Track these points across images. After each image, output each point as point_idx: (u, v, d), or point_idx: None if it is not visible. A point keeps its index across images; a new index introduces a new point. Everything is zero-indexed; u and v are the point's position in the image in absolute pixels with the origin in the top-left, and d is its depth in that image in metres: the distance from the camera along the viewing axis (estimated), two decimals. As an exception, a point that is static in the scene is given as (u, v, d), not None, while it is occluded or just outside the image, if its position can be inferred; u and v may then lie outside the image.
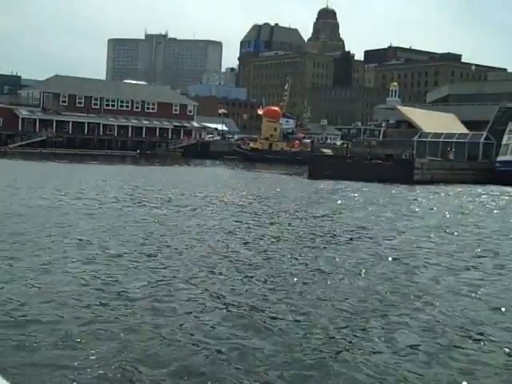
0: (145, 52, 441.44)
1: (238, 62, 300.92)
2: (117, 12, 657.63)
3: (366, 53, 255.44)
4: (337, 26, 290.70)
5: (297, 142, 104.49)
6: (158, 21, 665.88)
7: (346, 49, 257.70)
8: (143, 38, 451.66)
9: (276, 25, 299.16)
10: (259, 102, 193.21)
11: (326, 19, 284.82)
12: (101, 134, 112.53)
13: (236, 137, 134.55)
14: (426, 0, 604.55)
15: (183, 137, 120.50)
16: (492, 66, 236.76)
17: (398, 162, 52.96)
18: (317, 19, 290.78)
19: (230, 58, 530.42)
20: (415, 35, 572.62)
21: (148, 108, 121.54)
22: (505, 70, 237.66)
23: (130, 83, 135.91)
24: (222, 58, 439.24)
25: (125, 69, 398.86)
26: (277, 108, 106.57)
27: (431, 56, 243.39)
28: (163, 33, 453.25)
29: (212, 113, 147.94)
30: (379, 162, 54.71)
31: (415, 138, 59.51)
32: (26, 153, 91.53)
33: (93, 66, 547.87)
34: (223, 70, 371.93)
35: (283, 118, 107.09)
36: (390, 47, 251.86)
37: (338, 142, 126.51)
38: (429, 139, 58.37)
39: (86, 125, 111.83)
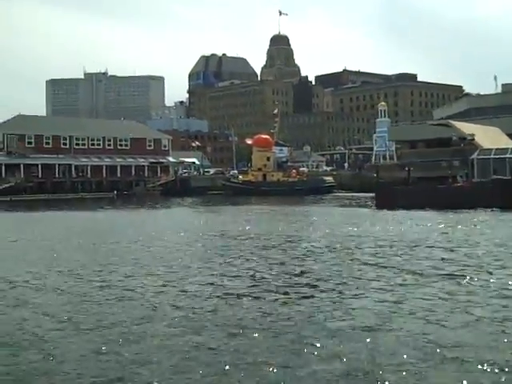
0: (85, 91, 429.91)
1: (187, 95, 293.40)
2: (52, 53, 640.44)
3: (319, 77, 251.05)
4: (291, 51, 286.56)
5: (294, 171, 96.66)
6: (96, 59, 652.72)
7: (302, 74, 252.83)
8: (82, 76, 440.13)
9: (224, 55, 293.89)
10: (223, 134, 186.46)
11: (280, 45, 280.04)
12: (73, 175, 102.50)
13: (212, 171, 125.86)
14: (360, 25, 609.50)
15: (160, 174, 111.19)
16: (446, 83, 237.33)
17: (484, 183, 45.20)
18: (270, 46, 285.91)
19: (173, 93, 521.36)
20: (357, 59, 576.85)
21: (121, 145, 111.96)
22: (460, 86, 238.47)
23: (99, 120, 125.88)
24: (164, 93, 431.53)
25: (65, 109, 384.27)
26: (267, 136, 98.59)
27: (386, 77, 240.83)
28: (103, 71, 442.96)
29: (180, 147, 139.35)
30: (458, 185, 47.01)
31: (475, 156, 52.18)
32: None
33: (32, 108, 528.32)
34: (167, 104, 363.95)
35: (276, 146, 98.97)
36: (344, 71, 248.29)
37: (328, 168, 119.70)
38: (492, 156, 51.15)
39: (57, 167, 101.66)
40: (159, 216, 51.66)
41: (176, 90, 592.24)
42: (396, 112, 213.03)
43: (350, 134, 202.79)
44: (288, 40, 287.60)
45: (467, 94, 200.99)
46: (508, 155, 51.15)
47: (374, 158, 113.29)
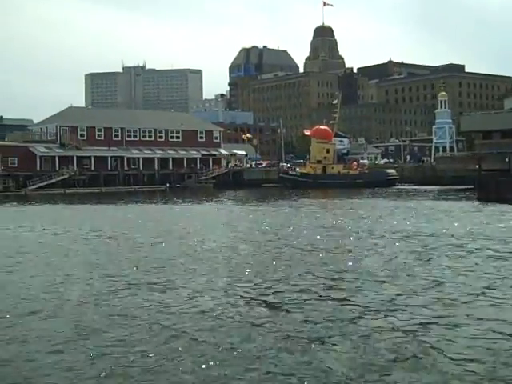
0: (123, 84, 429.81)
1: (227, 88, 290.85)
2: (92, 47, 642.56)
3: (363, 69, 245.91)
4: (335, 43, 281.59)
5: (354, 163, 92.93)
6: (134, 53, 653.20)
7: (346, 66, 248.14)
8: (121, 70, 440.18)
9: (265, 47, 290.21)
10: (268, 126, 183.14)
11: (324, 37, 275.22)
12: (125, 168, 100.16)
13: (264, 163, 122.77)
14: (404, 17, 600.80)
15: (213, 166, 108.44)
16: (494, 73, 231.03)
17: None
18: (314, 37, 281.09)
19: (211, 86, 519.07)
20: (400, 51, 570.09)
21: (172, 137, 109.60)
22: (510, 77, 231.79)
23: (150, 111, 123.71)
24: (202, 86, 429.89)
25: (104, 103, 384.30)
26: (326, 127, 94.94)
27: (433, 69, 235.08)
28: (141, 64, 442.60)
29: (226, 139, 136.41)
30: None
31: None
32: (48, 195, 78.56)
33: (71, 102, 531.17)
34: (204, 97, 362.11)
35: (335, 137, 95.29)
36: (389, 62, 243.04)
37: (382, 161, 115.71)
38: None
39: (109, 159, 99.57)
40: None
41: (214, 84, 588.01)
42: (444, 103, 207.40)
43: (397, 126, 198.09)
44: (332, 31, 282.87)
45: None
46: None
47: (433, 149, 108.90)
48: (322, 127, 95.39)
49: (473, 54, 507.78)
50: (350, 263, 18.25)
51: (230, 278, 16.36)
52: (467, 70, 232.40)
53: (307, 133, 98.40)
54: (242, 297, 13.93)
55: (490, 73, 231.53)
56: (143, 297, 14.08)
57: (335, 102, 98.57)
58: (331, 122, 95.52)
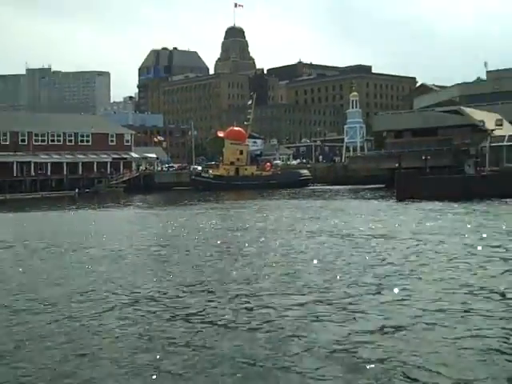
0: (27, 87, 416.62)
1: (136, 91, 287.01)
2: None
3: (273, 70, 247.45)
4: (246, 43, 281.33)
5: (268, 164, 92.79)
6: (39, 55, 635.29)
7: (257, 67, 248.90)
8: (24, 72, 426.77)
9: (175, 49, 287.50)
10: (179, 128, 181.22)
11: (235, 37, 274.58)
12: (32, 174, 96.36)
13: (175, 166, 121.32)
14: (311, 19, 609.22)
15: (123, 170, 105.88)
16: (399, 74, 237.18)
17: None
18: (225, 38, 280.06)
19: (119, 88, 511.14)
20: (309, 52, 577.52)
21: (82, 140, 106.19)
22: (414, 78, 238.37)
23: (59, 114, 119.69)
24: (110, 88, 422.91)
25: (7, 106, 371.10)
26: (240, 129, 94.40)
27: (341, 70, 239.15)
28: (46, 66, 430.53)
29: (136, 142, 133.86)
30: (485, 174, 43.96)
31: (487, 144, 49.17)
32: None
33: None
34: (113, 99, 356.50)
35: (249, 138, 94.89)
36: (298, 63, 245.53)
37: (295, 162, 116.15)
38: (506, 143, 48.30)
39: (15, 165, 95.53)
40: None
41: (122, 86, 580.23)
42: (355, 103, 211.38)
43: (307, 127, 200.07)
44: (243, 32, 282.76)
45: (422, 85, 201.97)
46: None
47: (344, 149, 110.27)
48: (235, 128, 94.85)
49: (379, 56, 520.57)
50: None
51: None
52: (374, 70, 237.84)
53: (220, 134, 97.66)
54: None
55: (396, 74, 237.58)
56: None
57: (249, 102, 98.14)
58: (245, 123, 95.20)
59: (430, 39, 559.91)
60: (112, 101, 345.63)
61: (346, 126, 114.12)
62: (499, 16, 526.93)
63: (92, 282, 16.44)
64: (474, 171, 48.73)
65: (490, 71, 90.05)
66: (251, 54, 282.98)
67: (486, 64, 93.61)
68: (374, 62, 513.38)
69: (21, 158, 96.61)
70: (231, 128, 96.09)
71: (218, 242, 24.06)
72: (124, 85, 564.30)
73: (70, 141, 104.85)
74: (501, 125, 51.94)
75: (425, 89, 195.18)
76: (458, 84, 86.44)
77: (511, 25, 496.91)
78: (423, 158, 48.07)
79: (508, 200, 37.14)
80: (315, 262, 17.94)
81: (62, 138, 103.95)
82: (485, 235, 23.03)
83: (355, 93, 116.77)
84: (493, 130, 49.69)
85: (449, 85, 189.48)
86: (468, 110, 52.33)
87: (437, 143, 71.83)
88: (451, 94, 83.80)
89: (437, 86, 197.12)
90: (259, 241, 23.63)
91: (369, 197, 53.69)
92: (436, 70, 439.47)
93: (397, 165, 46.90)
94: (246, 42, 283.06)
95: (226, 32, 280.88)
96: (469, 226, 26.23)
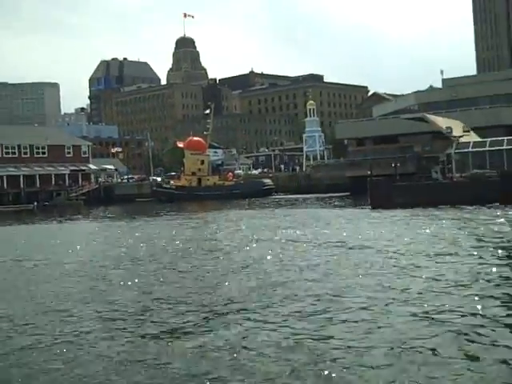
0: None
1: (87, 102, 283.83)
2: None
3: (225, 80, 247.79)
4: (197, 54, 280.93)
5: (230, 174, 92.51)
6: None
7: (209, 76, 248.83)
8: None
9: (125, 59, 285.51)
10: (134, 139, 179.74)
11: (186, 48, 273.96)
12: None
13: (135, 177, 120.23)
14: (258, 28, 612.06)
15: (82, 182, 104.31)
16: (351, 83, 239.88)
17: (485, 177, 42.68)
18: (175, 49, 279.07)
19: (69, 99, 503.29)
20: (260, 62, 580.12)
21: (38, 152, 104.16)
22: (365, 87, 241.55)
23: (13, 126, 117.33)
24: (60, 100, 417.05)
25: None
26: (200, 139, 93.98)
27: (294, 79, 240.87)
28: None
29: (94, 154, 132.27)
30: (461, 180, 44.48)
31: (452, 150, 49.86)
32: None
33: None
34: (63, 111, 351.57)
35: (209, 148, 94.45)
36: (251, 73, 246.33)
37: (256, 171, 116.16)
38: (471, 149, 49.06)
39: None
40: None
41: (72, 97, 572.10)
42: (306, 113, 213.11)
43: (262, 136, 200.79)
44: (194, 42, 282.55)
45: (375, 94, 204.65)
46: (487, 148, 49.15)
47: (304, 157, 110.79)
48: (195, 139, 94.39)
49: (328, 66, 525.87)
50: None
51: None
52: (326, 80, 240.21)
53: (180, 145, 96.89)
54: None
55: (347, 83, 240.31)
56: None
57: (207, 111, 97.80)
58: (204, 132, 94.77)
59: (377, 49, 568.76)
60: (63, 112, 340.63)
61: (304, 135, 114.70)
62: (445, 27, 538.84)
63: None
64: (442, 177, 49.28)
65: (446, 79, 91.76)
66: (203, 64, 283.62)
67: (442, 72, 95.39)
68: (324, 71, 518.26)
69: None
70: (191, 138, 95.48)
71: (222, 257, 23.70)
72: (74, 96, 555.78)
73: (26, 153, 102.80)
74: (468, 131, 52.85)
75: (377, 97, 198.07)
76: (416, 92, 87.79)
77: (456, 35, 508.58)
78: (393, 165, 48.39)
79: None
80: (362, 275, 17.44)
81: (16, 151, 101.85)
82: None
83: (312, 101, 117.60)
84: (460, 137, 50.48)
85: (398, 93, 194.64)
86: (432, 118, 53.09)
87: (399, 150, 72.80)
88: (409, 102, 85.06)
89: (388, 94, 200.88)
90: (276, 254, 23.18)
91: (340, 205, 53.81)
92: (384, 79, 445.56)
93: (369, 172, 47.13)
94: (197, 52, 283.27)
95: (177, 42, 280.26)
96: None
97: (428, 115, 52.95)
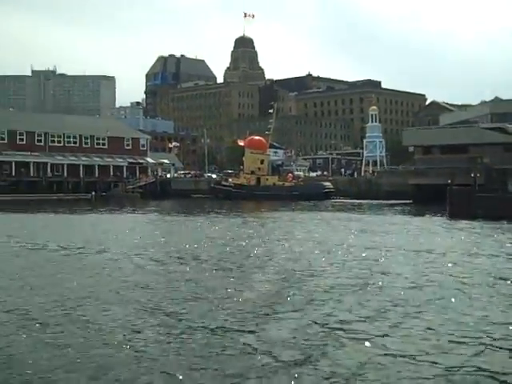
0: (32, 88, 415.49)
1: (143, 96, 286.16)
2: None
3: (282, 81, 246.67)
4: (255, 54, 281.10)
5: (290, 175, 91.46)
6: (45, 58, 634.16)
7: (266, 77, 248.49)
8: (30, 74, 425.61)
9: (182, 56, 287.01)
10: (189, 135, 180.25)
11: (245, 48, 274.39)
12: (49, 174, 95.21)
13: (192, 172, 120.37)
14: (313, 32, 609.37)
15: (139, 175, 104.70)
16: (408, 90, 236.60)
17: None
18: (234, 48, 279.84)
19: (124, 94, 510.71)
20: (318, 65, 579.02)
21: (98, 143, 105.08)
22: (423, 95, 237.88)
23: (75, 116, 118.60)
24: (115, 94, 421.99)
25: (8, 106, 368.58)
26: (261, 138, 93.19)
27: (351, 84, 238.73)
28: (51, 68, 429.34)
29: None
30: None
31: (534, 162, 48.06)
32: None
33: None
34: (118, 104, 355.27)
35: (270, 148, 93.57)
36: (308, 75, 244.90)
37: (313, 174, 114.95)
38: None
39: (32, 165, 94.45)
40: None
41: (127, 91, 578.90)
42: (362, 118, 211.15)
43: (317, 139, 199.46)
44: (253, 42, 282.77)
45: (433, 102, 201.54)
46: None
47: (363, 163, 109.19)
48: (256, 137, 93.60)
49: (385, 72, 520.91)
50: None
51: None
52: (383, 86, 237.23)
53: (241, 143, 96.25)
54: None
55: (404, 90, 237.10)
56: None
57: (271, 111, 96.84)
58: (266, 132, 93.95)
59: (433, 58, 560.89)
60: (119, 106, 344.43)
61: (365, 140, 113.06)
62: (499, 41, 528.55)
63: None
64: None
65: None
66: (260, 65, 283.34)
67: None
68: (381, 77, 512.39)
69: (37, 158, 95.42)
70: (252, 137, 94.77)
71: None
72: (129, 91, 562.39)
73: (86, 143, 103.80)
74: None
75: (436, 106, 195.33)
76: (489, 101, 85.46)
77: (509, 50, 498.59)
78: (472, 175, 46.59)
79: None
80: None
81: (77, 140, 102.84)
82: None
83: (374, 107, 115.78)
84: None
85: (457, 103, 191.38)
86: (512, 128, 51.15)
87: (467, 160, 70.70)
88: (480, 112, 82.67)
89: (446, 103, 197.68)
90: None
91: (413, 213, 52.23)
92: (440, 89, 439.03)
93: (449, 181, 45.42)
94: (256, 52, 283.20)
95: (236, 41, 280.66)
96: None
97: (509, 126, 50.99)
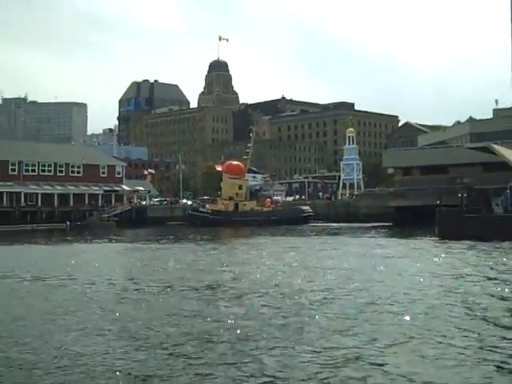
0: (2, 116, 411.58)
1: (116, 122, 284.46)
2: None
3: (256, 105, 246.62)
4: (230, 77, 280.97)
5: (268, 199, 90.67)
6: (15, 85, 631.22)
7: (240, 101, 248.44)
8: (0, 102, 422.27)
9: (156, 81, 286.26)
10: (163, 162, 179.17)
11: (219, 71, 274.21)
12: (22, 204, 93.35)
13: (168, 199, 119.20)
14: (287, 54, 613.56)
15: (115, 203, 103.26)
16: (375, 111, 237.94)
17: None
18: (208, 72, 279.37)
19: (95, 120, 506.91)
20: (291, 89, 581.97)
21: (73, 171, 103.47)
22: (396, 116, 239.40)
23: (49, 144, 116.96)
24: (87, 120, 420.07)
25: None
26: (239, 163, 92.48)
27: (324, 107, 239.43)
28: (22, 96, 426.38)
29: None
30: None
31: (515, 183, 47.74)
32: None
33: None
34: (90, 131, 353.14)
35: (249, 173, 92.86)
36: (282, 99, 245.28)
37: (290, 198, 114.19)
38: (539, 182, 46.91)
39: (5, 195, 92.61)
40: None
41: (99, 118, 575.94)
42: (335, 140, 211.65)
43: (291, 163, 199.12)
44: (227, 66, 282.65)
45: (407, 123, 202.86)
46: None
47: (341, 185, 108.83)
48: (234, 162, 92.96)
49: (358, 94, 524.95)
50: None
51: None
52: (356, 108, 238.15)
53: (219, 168, 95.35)
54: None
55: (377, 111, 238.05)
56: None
57: (251, 134, 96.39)
58: (244, 157, 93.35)
59: (405, 78, 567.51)
60: (90, 133, 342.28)
61: (342, 163, 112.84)
62: (471, 61, 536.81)
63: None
64: (503, 211, 47.17)
65: (499, 109, 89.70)
66: (234, 88, 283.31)
67: (496, 102, 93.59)
68: (354, 99, 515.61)
69: (10, 188, 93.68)
70: (230, 162, 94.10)
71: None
72: (101, 117, 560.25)
73: (61, 171, 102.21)
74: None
75: (409, 127, 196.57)
76: (465, 122, 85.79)
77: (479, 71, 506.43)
78: (459, 196, 46.20)
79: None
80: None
81: (52, 168, 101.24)
82: None
83: (351, 129, 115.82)
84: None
85: (429, 124, 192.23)
86: (497, 148, 50.83)
87: (447, 181, 70.70)
88: (459, 133, 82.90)
89: (418, 124, 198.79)
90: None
91: (400, 235, 51.61)
92: (410, 109, 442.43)
93: (438, 202, 45.01)
94: (230, 75, 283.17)
95: (210, 65, 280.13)
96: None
97: (494, 145, 50.81)
